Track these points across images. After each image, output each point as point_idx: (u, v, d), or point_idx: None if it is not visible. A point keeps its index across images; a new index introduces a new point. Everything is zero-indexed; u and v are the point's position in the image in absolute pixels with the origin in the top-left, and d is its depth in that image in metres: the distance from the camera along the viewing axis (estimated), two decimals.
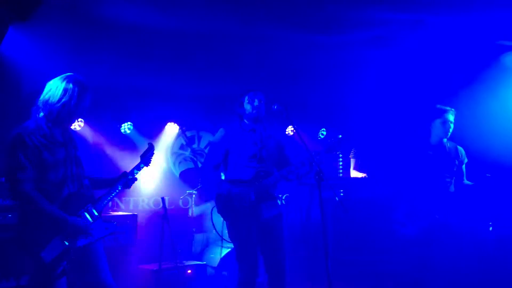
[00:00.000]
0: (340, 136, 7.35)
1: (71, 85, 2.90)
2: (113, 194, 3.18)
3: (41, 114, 2.89)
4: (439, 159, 4.50)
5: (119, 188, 3.22)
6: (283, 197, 7.09)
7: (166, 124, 7.00)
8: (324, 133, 7.58)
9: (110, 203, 3.18)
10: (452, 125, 4.49)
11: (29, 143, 2.76)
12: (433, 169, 4.47)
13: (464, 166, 4.63)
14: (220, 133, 3.99)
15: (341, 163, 7.74)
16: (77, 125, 6.09)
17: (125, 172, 3.31)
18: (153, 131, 6.87)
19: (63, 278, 2.87)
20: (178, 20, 4.46)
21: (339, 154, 7.61)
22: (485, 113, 5.40)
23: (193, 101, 6.89)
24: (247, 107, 3.91)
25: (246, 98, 3.92)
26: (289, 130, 7.48)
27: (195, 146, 7.47)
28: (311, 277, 5.49)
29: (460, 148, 4.64)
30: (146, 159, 3.45)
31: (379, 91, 6.35)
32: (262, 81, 5.75)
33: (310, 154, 3.51)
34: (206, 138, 7.43)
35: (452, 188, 4.53)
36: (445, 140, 4.58)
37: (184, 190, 6.43)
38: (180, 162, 7.39)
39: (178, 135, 7.28)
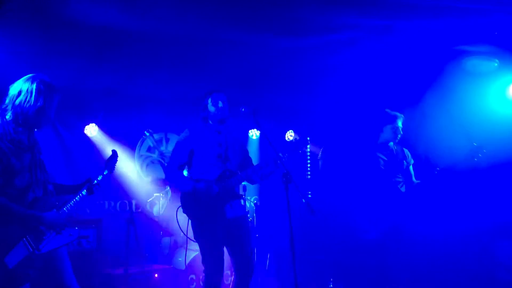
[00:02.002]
0: (308, 138, 7.46)
1: (41, 87, 2.84)
2: (77, 199, 3.13)
3: (9, 117, 2.81)
4: (387, 160, 4.69)
5: (83, 194, 3.18)
6: (252, 199, 7.11)
7: (134, 126, 6.92)
8: (293, 134, 7.66)
9: (73, 208, 3.12)
10: (400, 131, 4.71)
11: None
12: (382, 170, 4.65)
13: (411, 167, 4.83)
14: (185, 133, 4.01)
15: (309, 165, 7.84)
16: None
17: (90, 178, 3.28)
18: (120, 133, 6.78)
19: (26, 284, 2.80)
20: (146, 23, 4.42)
21: (307, 155, 7.73)
22: (443, 117, 5.61)
23: (161, 103, 6.84)
24: (211, 108, 3.95)
25: (210, 99, 3.95)
26: (254, 133, 7.53)
27: (162, 148, 7.41)
28: (279, 277, 5.53)
29: (406, 150, 4.88)
30: (110, 166, 3.44)
31: (345, 94, 6.47)
32: (230, 84, 5.75)
33: (277, 155, 3.55)
34: (174, 140, 7.37)
35: (403, 189, 4.68)
36: (391, 143, 4.77)
37: (151, 193, 6.37)
38: (147, 165, 7.31)
39: (146, 138, 7.21)
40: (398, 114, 4.75)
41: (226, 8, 4.16)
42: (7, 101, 2.84)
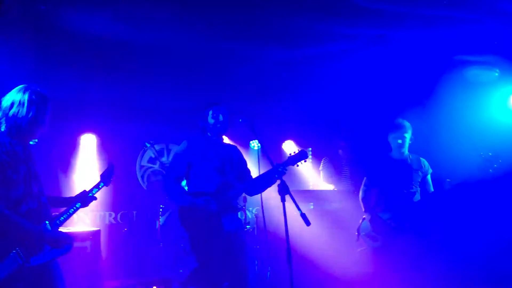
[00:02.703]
0: (310, 149, 7.39)
1: (33, 97, 2.81)
2: (71, 212, 3.09)
3: (3, 129, 2.79)
4: (399, 172, 4.57)
5: (77, 206, 3.15)
6: (254, 210, 7.07)
7: (135, 137, 6.92)
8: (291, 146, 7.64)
9: (67, 221, 3.10)
10: (406, 140, 4.57)
11: None
12: (393, 182, 4.54)
13: (429, 176, 4.70)
14: (183, 145, 3.98)
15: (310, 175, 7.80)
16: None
17: (85, 190, 3.25)
18: (120, 144, 6.78)
19: None
20: (147, 35, 4.47)
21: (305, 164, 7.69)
22: (446, 126, 5.55)
23: (163, 114, 6.85)
24: (211, 121, 3.93)
25: (210, 112, 3.93)
26: (255, 143, 7.50)
27: (164, 159, 7.40)
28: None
29: (422, 159, 4.73)
30: (106, 179, 3.40)
31: (344, 104, 6.46)
32: (229, 95, 5.76)
33: (274, 166, 3.52)
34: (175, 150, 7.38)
35: (417, 197, 4.59)
36: (406, 153, 4.65)
37: (152, 204, 6.34)
38: (148, 176, 7.31)
39: (147, 149, 7.21)
40: (401, 123, 4.60)
41: (225, 21, 4.17)
42: (1, 112, 2.82)
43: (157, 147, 7.35)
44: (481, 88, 5.18)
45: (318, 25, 4.21)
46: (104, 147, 6.63)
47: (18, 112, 2.78)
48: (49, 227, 2.89)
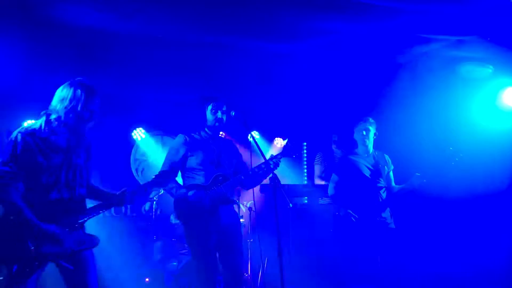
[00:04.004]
0: (305, 143, 7.39)
1: (78, 91, 2.93)
2: (104, 210, 3.14)
3: (48, 117, 2.93)
4: (368, 167, 4.73)
5: (108, 208, 3.16)
6: (248, 204, 7.08)
7: (130, 129, 6.93)
8: (282, 141, 7.66)
9: (96, 216, 3.13)
10: (370, 132, 4.72)
11: (21, 144, 2.81)
12: (361, 178, 4.69)
13: (391, 172, 4.87)
14: (178, 138, 3.99)
15: (305, 171, 7.82)
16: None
17: (126, 189, 3.23)
18: (115, 137, 6.78)
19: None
20: (141, 27, 4.48)
21: (303, 160, 7.71)
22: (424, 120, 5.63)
23: (157, 106, 6.84)
24: (210, 117, 3.95)
25: (209, 107, 3.94)
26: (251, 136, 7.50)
27: None
28: (267, 282, 5.49)
29: (386, 156, 4.90)
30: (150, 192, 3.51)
31: (338, 99, 6.48)
32: (224, 87, 5.77)
33: (264, 159, 3.54)
34: (169, 144, 7.37)
35: (384, 194, 4.73)
36: (371, 149, 4.80)
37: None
38: (143, 168, 7.31)
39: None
40: (365, 119, 4.76)
41: (221, 14, 4.17)
42: (54, 103, 2.96)
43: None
44: (470, 85, 5.25)
45: (311, 20, 4.22)
46: (98, 139, 6.61)
47: (69, 104, 2.91)
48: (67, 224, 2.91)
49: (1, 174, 2.78)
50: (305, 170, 7.83)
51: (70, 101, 2.91)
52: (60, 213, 2.89)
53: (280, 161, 3.83)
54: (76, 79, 3.00)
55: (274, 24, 4.28)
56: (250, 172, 3.86)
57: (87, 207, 3.07)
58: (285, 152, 3.91)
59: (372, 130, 4.74)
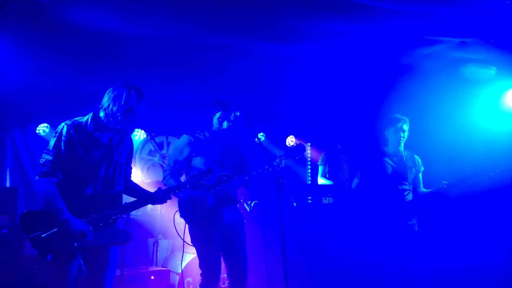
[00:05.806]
0: (309, 144, 7.40)
1: (132, 92, 3.06)
2: (138, 207, 3.32)
3: (96, 114, 3.07)
4: (394, 168, 4.58)
5: (147, 202, 3.30)
6: (252, 204, 7.12)
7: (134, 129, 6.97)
8: (294, 140, 7.67)
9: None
10: (405, 134, 4.56)
11: (66, 135, 2.96)
12: (389, 177, 4.55)
13: (420, 174, 4.73)
14: (183, 139, 4.04)
15: (309, 170, 7.84)
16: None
17: (159, 188, 3.37)
18: None
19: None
20: (146, 29, 4.49)
21: (307, 160, 7.73)
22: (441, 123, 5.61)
23: (163, 107, 6.87)
24: (215, 123, 3.98)
25: (218, 114, 3.96)
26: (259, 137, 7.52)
27: (164, 152, 7.45)
28: (271, 281, 5.52)
29: (416, 157, 4.74)
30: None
31: (345, 100, 6.49)
32: (230, 89, 5.80)
33: (269, 159, 3.58)
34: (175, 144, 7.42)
35: (409, 197, 4.59)
36: (401, 149, 4.65)
37: None
38: (148, 168, 7.36)
39: (147, 141, 7.26)
40: (400, 116, 4.60)
41: (227, 16, 4.19)
42: (104, 101, 3.09)
43: (157, 139, 7.40)
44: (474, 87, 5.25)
45: (317, 21, 4.24)
46: None
47: (111, 105, 3.05)
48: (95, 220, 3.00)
49: (43, 163, 2.93)
50: (309, 170, 7.86)
51: (123, 101, 3.02)
52: (93, 208, 2.99)
53: (283, 162, 3.87)
54: (127, 82, 3.13)
55: (280, 26, 4.29)
56: (254, 173, 3.91)
57: (123, 203, 3.16)
58: (288, 153, 3.94)
59: (407, 131, 4.59)
